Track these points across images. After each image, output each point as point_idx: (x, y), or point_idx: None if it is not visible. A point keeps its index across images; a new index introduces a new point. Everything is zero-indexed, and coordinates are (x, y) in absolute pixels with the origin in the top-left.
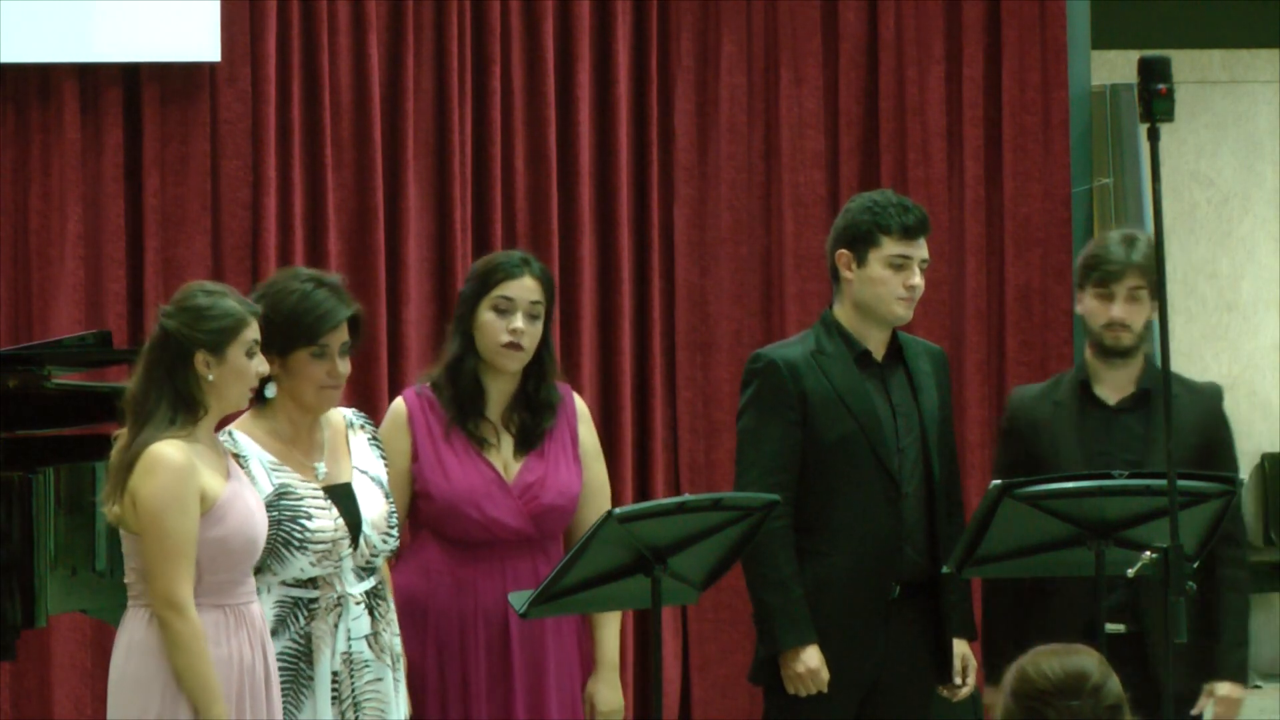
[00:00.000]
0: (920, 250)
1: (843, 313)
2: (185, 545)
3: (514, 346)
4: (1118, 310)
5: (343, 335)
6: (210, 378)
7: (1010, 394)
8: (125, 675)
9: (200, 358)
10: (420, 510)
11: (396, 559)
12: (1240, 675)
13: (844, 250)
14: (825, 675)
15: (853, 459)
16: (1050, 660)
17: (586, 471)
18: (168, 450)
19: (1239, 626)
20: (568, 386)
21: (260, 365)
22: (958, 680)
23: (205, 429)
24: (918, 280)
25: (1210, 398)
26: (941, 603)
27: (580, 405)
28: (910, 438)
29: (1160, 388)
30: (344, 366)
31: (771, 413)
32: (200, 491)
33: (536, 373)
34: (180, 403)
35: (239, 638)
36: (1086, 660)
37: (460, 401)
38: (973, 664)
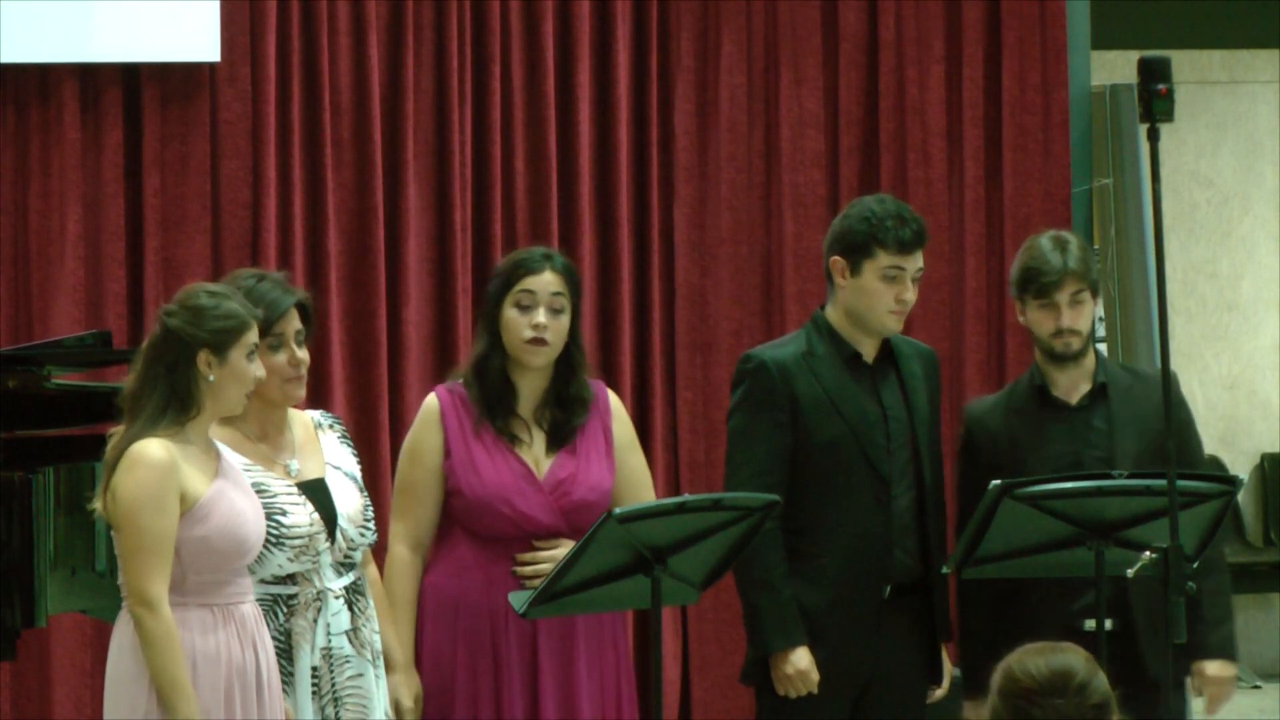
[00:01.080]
0: (914, 263)
1: (834, 314)
2: (160, 543)
3: (537, 342)
4: (1065, 320)
5: (295, 323)
6: (211, 378)
7: (965, 408)
8: (118, 674)
9: (203, 357)
10: (452, 507)
11: (430, 557)
12: (1227, 652)
13: (838, 257)
14: (815, 677)
15: (843, 461)
16: (1036, 659)
17: (624, 465)
18: (150, 447)
19: (1219, 605)
20: (601, 383)
21: (258, 370)
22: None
23: (197, 430)
24: (910, 295)
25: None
26: (932, 604)
27: (614, 401)
28: (900, 440)
29: (1115, 380)
30: (303, 354)
31: (761, 414)
32: (181, 490)
33: (566, 368)
34: (174, 400)
35: (228, 636)
36: (1073, 658)
37: (488, 399)
38: (948, 666)
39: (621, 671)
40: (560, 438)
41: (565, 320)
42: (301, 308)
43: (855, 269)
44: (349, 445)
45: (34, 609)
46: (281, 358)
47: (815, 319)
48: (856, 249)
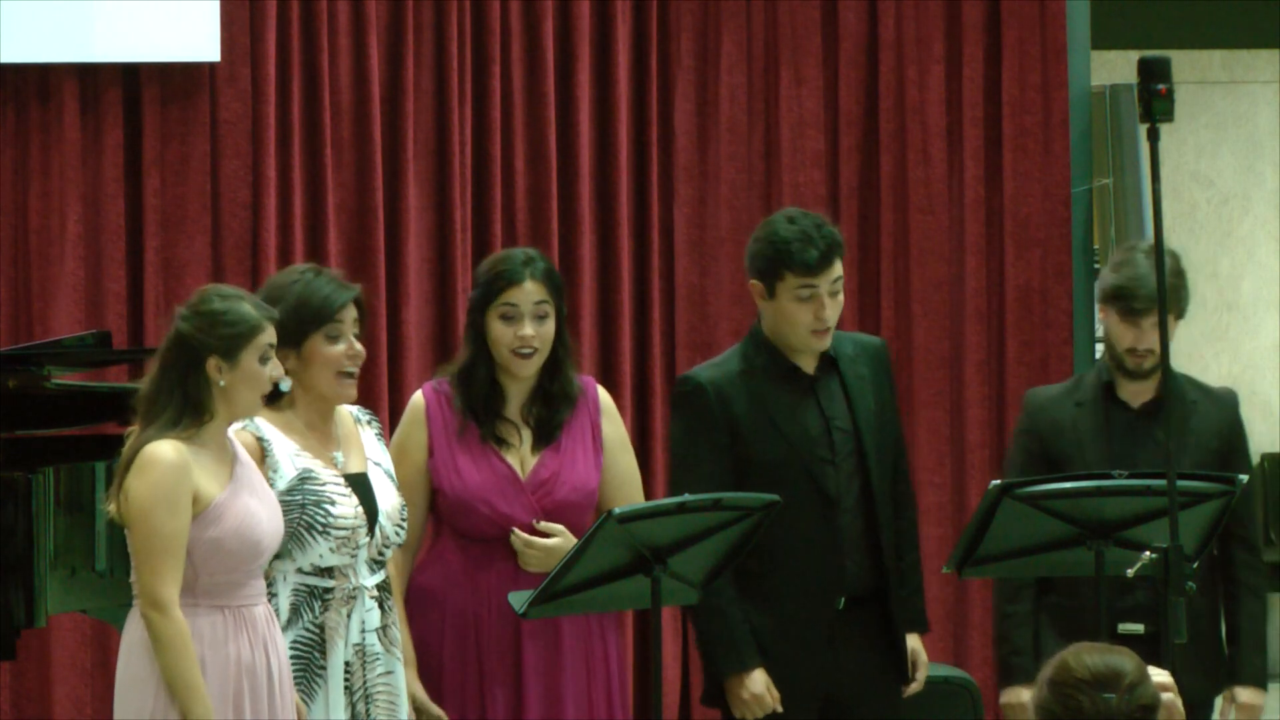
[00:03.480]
0: (828, 278)
1: (768, 328)
2: (171, 544)
3: (523, 354)
4: (1144, 341)
5: (352, 314)
6: (222, 383)
7: (1026, 395)
8: (127, 675)
9: (213, 363)
10: (438, 506)
11: (419, 555)
12: (1260, 680)
13: (755, 281)
14: (772, 698)
15: (786, 480)
16: (1092, 655)
17: (614, 464)
18: (163, 449)
19: (1257, 631)
20: (591, 379)
21: (275, 370)
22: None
23: (212, 433)
24: (829, 311)
25: (1228, 404)
26: (889, 607)
27: (604, 398)
28: (846, 451)
29: (1180, 393)
30: (359, 346)
31: (700, 436)
32: (194, 492)
33: (552, 367)
34: (188, 406)
35: (239, 638)
36: (1126, 660)
37: (473, 407)
38: (923, 659)
39: (613, 672)
40: (546, 435)
41: (551, 325)
42: (358, 303)
43: (770, 292)
44: (384, 443)
45: (34, 609)
46: (340, 348)
47: (753, 333)
48: (768, 273)
